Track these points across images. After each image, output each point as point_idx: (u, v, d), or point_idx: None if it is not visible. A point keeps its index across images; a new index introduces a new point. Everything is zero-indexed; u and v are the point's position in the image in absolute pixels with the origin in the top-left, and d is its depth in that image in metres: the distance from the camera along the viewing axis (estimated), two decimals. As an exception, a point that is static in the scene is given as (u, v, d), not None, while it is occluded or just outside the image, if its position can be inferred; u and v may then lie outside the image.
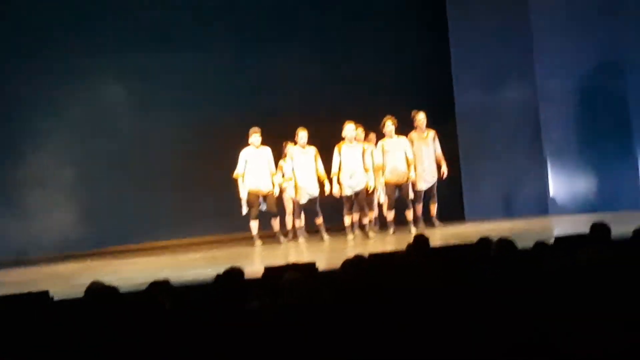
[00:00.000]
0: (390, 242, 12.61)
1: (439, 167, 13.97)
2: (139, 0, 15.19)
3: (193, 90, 15.38)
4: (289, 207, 14.05)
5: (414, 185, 13.84)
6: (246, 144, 13.71)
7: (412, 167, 13.70)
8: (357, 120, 13.78)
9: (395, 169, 13.69)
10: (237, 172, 13.61)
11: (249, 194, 13.62)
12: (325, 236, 13.60)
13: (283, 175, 13.91)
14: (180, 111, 15.25)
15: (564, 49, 14.53)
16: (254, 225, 13.73)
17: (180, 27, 15.26)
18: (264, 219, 13.79)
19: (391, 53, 15.80)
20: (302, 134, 13.70)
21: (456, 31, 15.40)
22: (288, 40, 15.61)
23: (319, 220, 13.71)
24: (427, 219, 14.02)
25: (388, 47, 15.78)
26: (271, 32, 15.61)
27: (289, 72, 15.55)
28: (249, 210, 13.68)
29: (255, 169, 13.63)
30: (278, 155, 13.95)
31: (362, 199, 13.66)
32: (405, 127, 13.88)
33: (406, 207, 13.79)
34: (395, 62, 15.79)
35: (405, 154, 13.70)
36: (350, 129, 13.62)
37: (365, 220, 13.71)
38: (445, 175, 13.94)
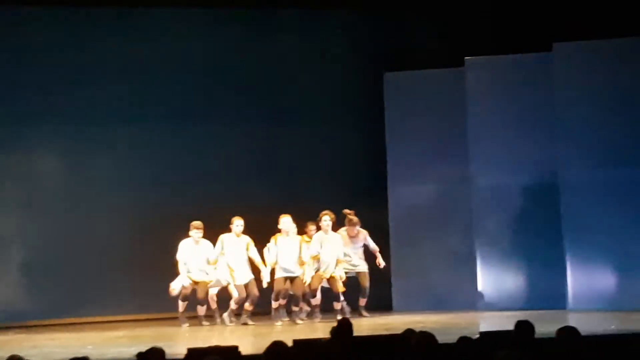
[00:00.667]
0: (317, 329, 12.58)
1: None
2: (76, 74, 15.13)
3: (130, 167, 15.31)
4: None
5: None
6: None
7: (341, 264, 13.85)
8: (292, 211, 13.86)
9: (326, 264, 13.76)
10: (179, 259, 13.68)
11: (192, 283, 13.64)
12: (250, 322, 13.55)
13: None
14: (111, 187, 15.15)
15: (499, 146, 14.72)
16: (183, 305, 13.70)
17: (119, 102, 15.27)
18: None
19: (328, 146, 15.91)
20: (238, 222, 13.70)
21: (393, 126, 15.52)
22: (228, 130, 15.61)
23: (248, 306, 13.66)
24: (355, 309, 14.05)
25: (325, 140, 15.89)
26: (209, 119, 15.59)
27: (228, 160, 15.56)
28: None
29: (194, 263, 13.65)
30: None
31: (297, 288, 13.64)
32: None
33: (335, 299, 13.85)
34: (332, 155, 15.90)
35: (337, 251, 13.80)
36: (286, 222, 13.65)
37: (295, 307, 13.70)
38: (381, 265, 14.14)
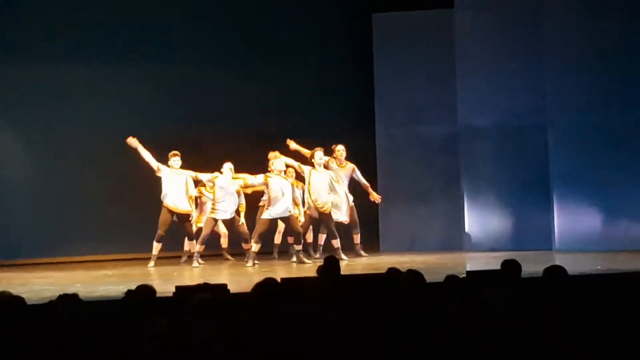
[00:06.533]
0: (303, 269, 12.64)
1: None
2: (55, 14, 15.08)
3: (117, 107, 15.29)
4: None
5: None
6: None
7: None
8: (281, 150, 13.89)
9: (317, 200, 13.75)
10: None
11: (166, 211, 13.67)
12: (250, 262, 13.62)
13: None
14: (99, 126, 15.12)
15: (488, 89, 14.71)
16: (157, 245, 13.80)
17: (104, 41, 15.23)
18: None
19: (316, 87, 15.88)
20: (226, 166, 13.67)
21: (381, 67, 15.49)
22: (215, 69, 15.57)
23: (247, 246, 13.66)
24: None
25: (313, 81, 15.86)
26: (197, 57, 15.57)
27: (215, 99, 15.52)
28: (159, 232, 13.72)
29: (172, 190, 13.65)
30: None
31: (291, 224, 13.59)
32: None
33: (333, 236, 13.83)
34: (320, 96, 15.87)
35: (329, 186, 13.78)
36: (280, 162, 13.60)
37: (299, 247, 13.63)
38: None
